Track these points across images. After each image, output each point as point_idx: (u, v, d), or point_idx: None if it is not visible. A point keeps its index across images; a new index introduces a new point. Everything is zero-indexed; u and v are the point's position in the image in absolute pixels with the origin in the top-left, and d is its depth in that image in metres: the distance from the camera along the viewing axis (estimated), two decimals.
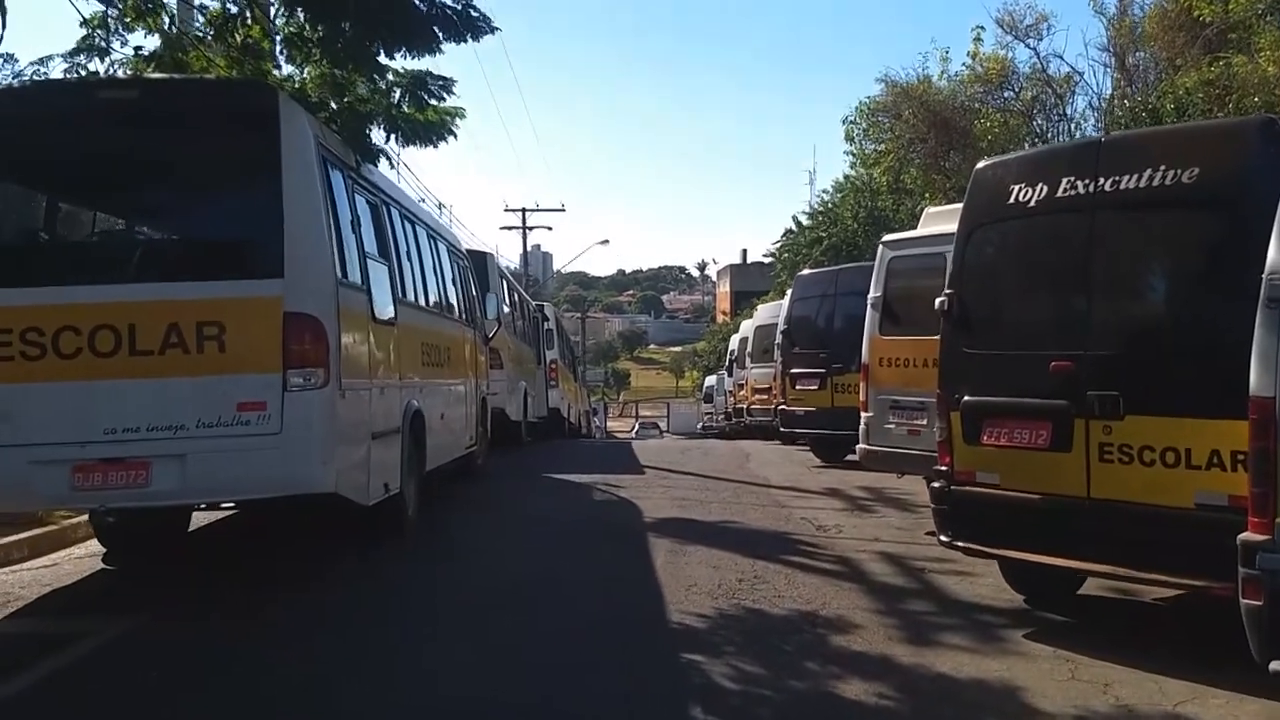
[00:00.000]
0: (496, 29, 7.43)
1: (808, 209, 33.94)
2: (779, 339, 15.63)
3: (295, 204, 6.08)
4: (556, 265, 78.60)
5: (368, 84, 8.01)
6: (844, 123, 22.59)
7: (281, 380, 5.91)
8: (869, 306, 9.59)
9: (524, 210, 42.94)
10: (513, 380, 16.03)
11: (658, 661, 5.37)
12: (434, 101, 8.50)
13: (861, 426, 9.59)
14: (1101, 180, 5.58)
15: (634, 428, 51.73)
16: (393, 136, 8.37)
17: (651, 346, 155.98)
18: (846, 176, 29.42)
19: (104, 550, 7.65)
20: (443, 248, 10.76)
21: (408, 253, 8.68)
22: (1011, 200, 5.99)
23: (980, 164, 6.40)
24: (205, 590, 6.64)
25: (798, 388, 14.48)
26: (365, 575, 7.16)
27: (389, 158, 8.34)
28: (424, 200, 33.86)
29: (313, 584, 6.88)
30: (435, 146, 8.77)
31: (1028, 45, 20.70)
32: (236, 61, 7.49)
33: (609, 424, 61.45)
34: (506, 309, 16.27)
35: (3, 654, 5.37)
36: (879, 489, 11.16)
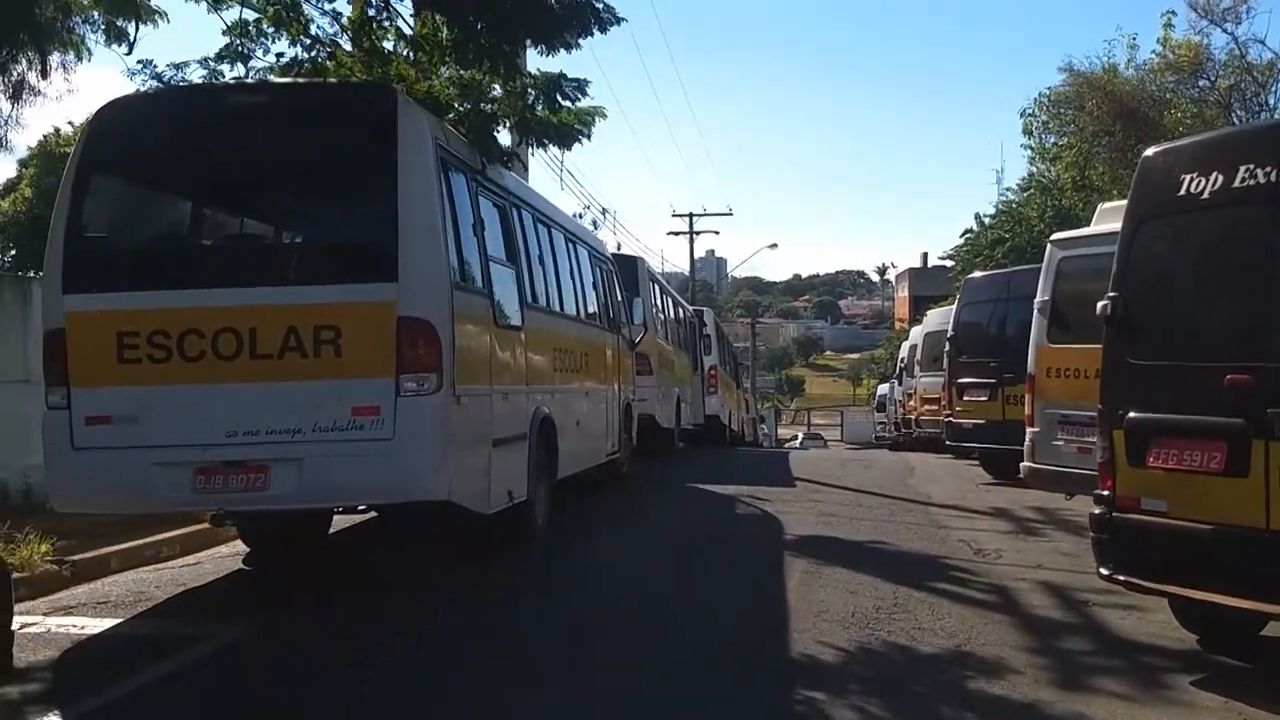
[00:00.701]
0: (622, 19, 7.26)
1: (992, 208, 32.37)
2: (946, 346, 14.80)
3: (411, 206, 6.02)
4: (728, 270, 78.16)
5: (502, 86, 7.96)
6: (1022, 115, 21.34)
7: (394, 385, 5.85)
8: (1035, 311, 8.85)
9: (690, 215, 42.85)
10: (664, 386, 15.80)
11: (772, 700, 4.98)
12: (568, 103, 8.39)
13: (1026, 443, 8.86)
14: None
15: (798, 437, 50.65)
16: (525, 139, 8.29)
17: (828, 353, 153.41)
18: (1031, 174, 27.83)
19: (247, 551, 7.86)
20: (582, 252, 10.63)
21: (539, 256, 8.57)
22: (1183, 191, 5.30)
23: (1148, 151, 5.71)
24: (325, 597, 6.68)
25: (966, 398, 13.68)
26: (486, 587, 7.04)
27: (519, 159, 8.23)
28: (589, 206, 34.41)
29: (430, 593, 6.82)
30: (569, 148, 8.69)
31: (1225, 30, 18.94)
32: (368, 66, 7.55)
33: (780, 431, 60.69)
34: (658, 314, 16.06)
35: (113, 656, 5.50)
36: (1051, 510, 10.32)
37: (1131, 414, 5.44)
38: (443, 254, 6.12)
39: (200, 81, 7.71)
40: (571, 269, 9.93)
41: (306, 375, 5.87)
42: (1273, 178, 4.90)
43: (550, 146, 8.58)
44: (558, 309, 9.11)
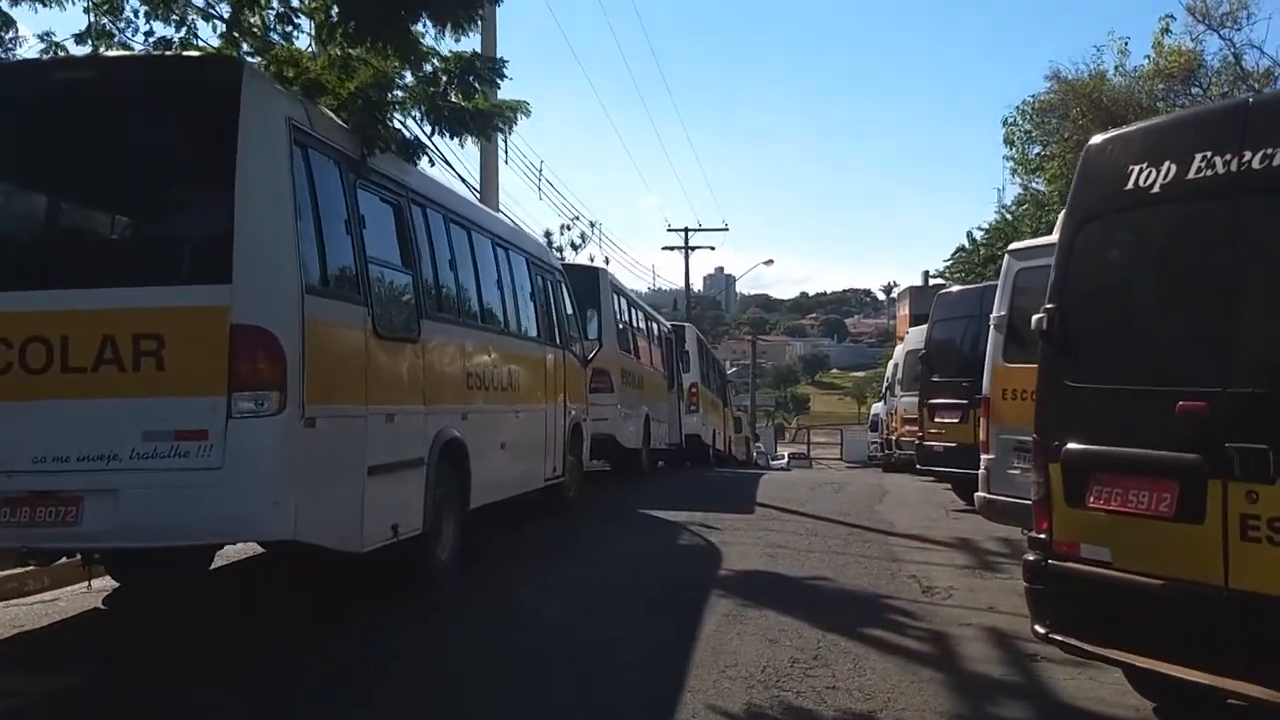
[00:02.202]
0: None
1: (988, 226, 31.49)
2: (919, 366, 14.00)
3: (252, 196, 5.26)
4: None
5: (408, 68, 7.21)
6: (1004, 124, 20.48)
7: (226, 405, 5.08)
8: (992, 328, 8.06)
9: (686, 230, 42.10)
10: (629, 405, 15.03)
11: None
12: (485, 89, 7.65)
13: (981, 471, 8.05)
14: (1249, 155, 4.07)
15: (785, 457, 49.62)
16: (437, 128, 7.55)
17: (834, 371, 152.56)
18: (1026, 189, 27.02)
19: (116, 587, 7.11)
20: (517, 259, 9.87)
21: (451, 262, 7.81)
22: (1130, 185, 4.52)
23: (1093, 139, 4.93)
24: (175, 645, 5.90)
25: (937, 420, 12.88)
26: (369, 630, 6.26)
27: (425, 151, 7.48)
28: (577, 219, 33.57)
29: (303, 638, 6.04)
30: (488, 139, 7.92)
31: (1221, 36, 18.12)
32: (241, 41, 6.80)
33: (780, 449, 59.76)
34: (623, 329, 15.29)
35: None
36: (1016, 542, 9.44)
37: (1070, 445, 4.65)
38: (291, 252, 5.36)
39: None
40: (499, 278, 9.17)
41: (124, 392, 5.10)
42: (1234, 167, 4.13)
43: (466, 138, 7.78)
44: (475, 320, 8.35)
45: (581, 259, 28.28)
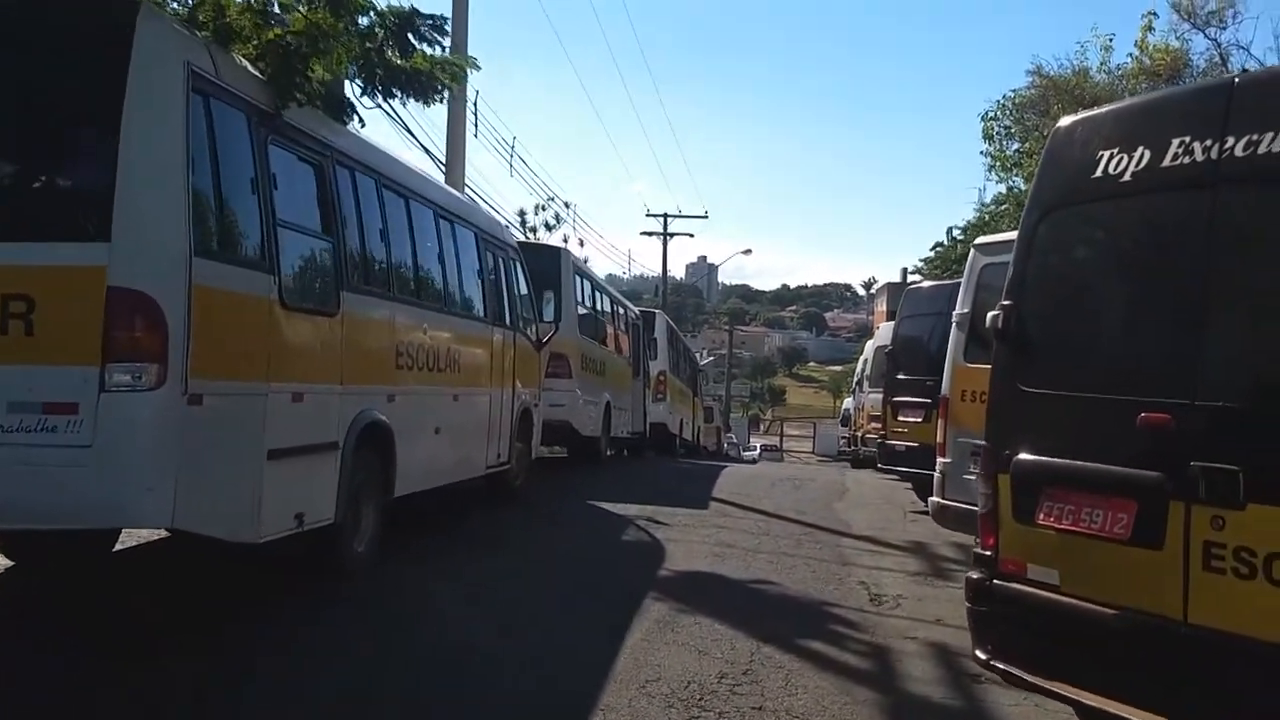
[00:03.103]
0: None
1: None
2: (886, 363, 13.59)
3: (137, 145, 4.75)
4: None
5: (341, 20, 6.68)
6: (982, 119, 19.99)
7: (99, 376, 4.59)
8: (954, 326, 7.64)
9: (665, 215, 41.55)
10: (588, 391, 14.57)
11: None
12: (424, 46, 7.15)
13: (936, 475, 7.64)
14: (1231, 141, 3.65)
15: (757, 449, 49.26)
16: (370, 87, 7.04)
17: (811, 364, 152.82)
18: (1009, 189, 26.63)
19: (7, 565, 6.59)
20: (464, 233, 9.36)
21: (381, 231, 7.30)
22: (1099, 172, 4.09)
23: (1060, 122, 4.49)
24: (48, 638, 5.40)
25: (900, 418, 12.48)
26: (268, 627, 5.77)
27: (354, 111, 6.97)
28: (552, 199, 32.77)
29: (193, 636, 5.54)
30: (427, 103, 7.43)
31: (1207, 35, 17.70)
32: None
33: (752, 440, 59.50)
34: (586, 313, 14.81)
35: None
36: (971, 547, 9.09)
37: (1021, 455, 4.24)
38: (180, 210, 4.85)
39: None
40: (441, 251, 8.66)
41: None
42: (1214, 154, 3.70)
43: (403, 98, 7.27)
44: (409, 296, 7.84)
45: (555, 240, 27.80)
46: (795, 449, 63.13)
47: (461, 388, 8.88)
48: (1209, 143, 3.73)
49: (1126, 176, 3.99)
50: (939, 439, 7.60)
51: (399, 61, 7.02)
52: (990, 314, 4.46)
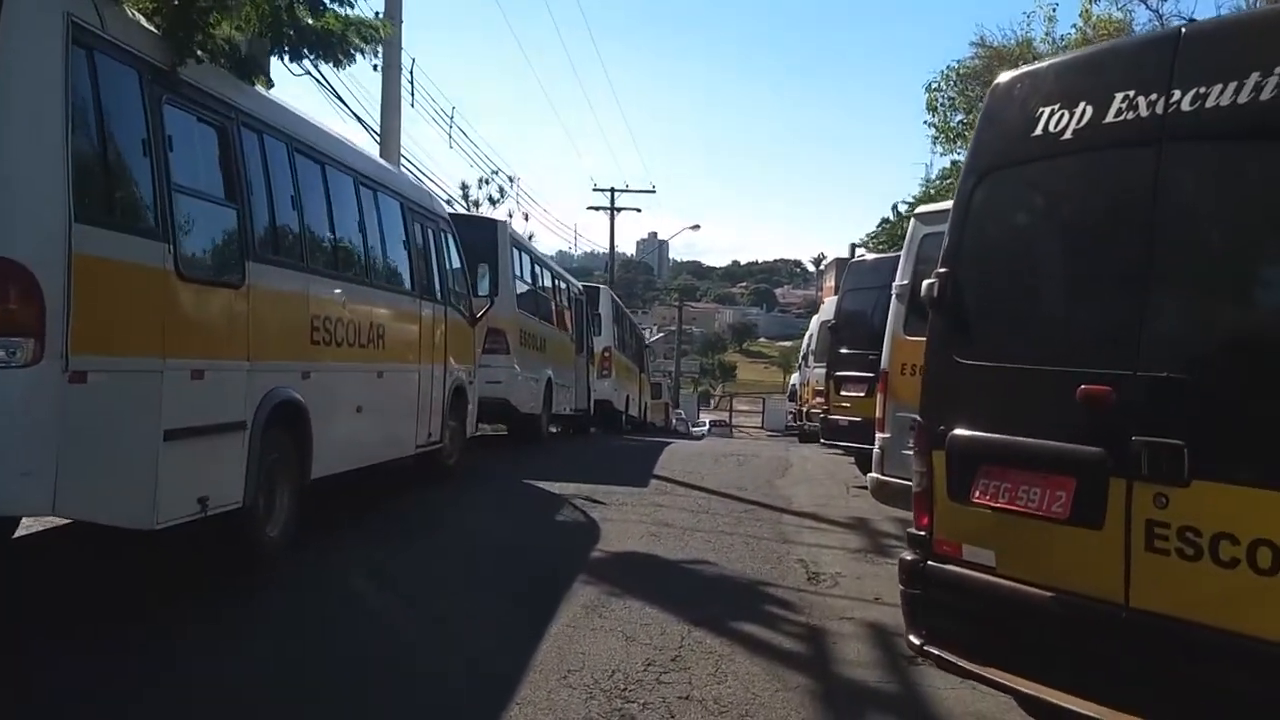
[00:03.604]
0: None
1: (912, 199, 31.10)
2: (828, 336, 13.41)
3: (11, 103, 4.39)
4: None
5: None
6: (926, 90, 19.84)
7: None
8: (893, 298, 7.43)
9: (612, 190, 41.12)
10: (528, 367, 14.22)
11: None
12: (335, 6, 6.75)
13: (875, 451, 7.43)
14: (1178, 95, 3.42)
15: (706, 425, 49.19)
16: (278, 48, 6.63)
17: (761, 340, 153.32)
18: (954, 164, 26.60)
19: None
20: (388, 202, 8.96)
21: (293, 199, 6.89)
22: (1039, 130, 3.85)
23: (999, 78, 4.24)
24: None
25: (843, 393, 12.29)
26: (157, 622, 5.40)
27: (261, 71, 6.57)
28: (496, 172, 32.13)
29: (78, 630, 5.17)
30: (338, 64, 7.03)
31: (1149, 6, 17.65)
32: None
33: (702, 416, 59.47)
34: (524, 287, 14.45)
35: None
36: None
37: (956, 431, 4.01)
38: (57, 173, 4.45)
39: None
40: (362, 221, 8.26)
41: None
42: (1159, 109, 3.47)
43: (312, 61, 6.86)
44: (325, 267, 7.45)
45: (500, 215, 27.30)
46: (745, 424, 63.24)
47: (386, 364, 8.50)
48: (1154, 97, 3.50)
49: (1067, 134, 3.75)
50: (878, 414, 7.40)
51: (309, 21, 6.59)
52: (925, 282, 4.22)
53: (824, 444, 12.94)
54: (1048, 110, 3.84)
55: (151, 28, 5.45)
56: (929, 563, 4.09)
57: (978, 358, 4.01)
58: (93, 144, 4.77)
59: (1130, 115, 3.57)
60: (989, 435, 3.90)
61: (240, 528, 6.12)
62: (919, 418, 4.26)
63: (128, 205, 5.08)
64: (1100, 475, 3.47)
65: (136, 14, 5.42)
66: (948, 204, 7.88)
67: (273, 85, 6.84)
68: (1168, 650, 3.32)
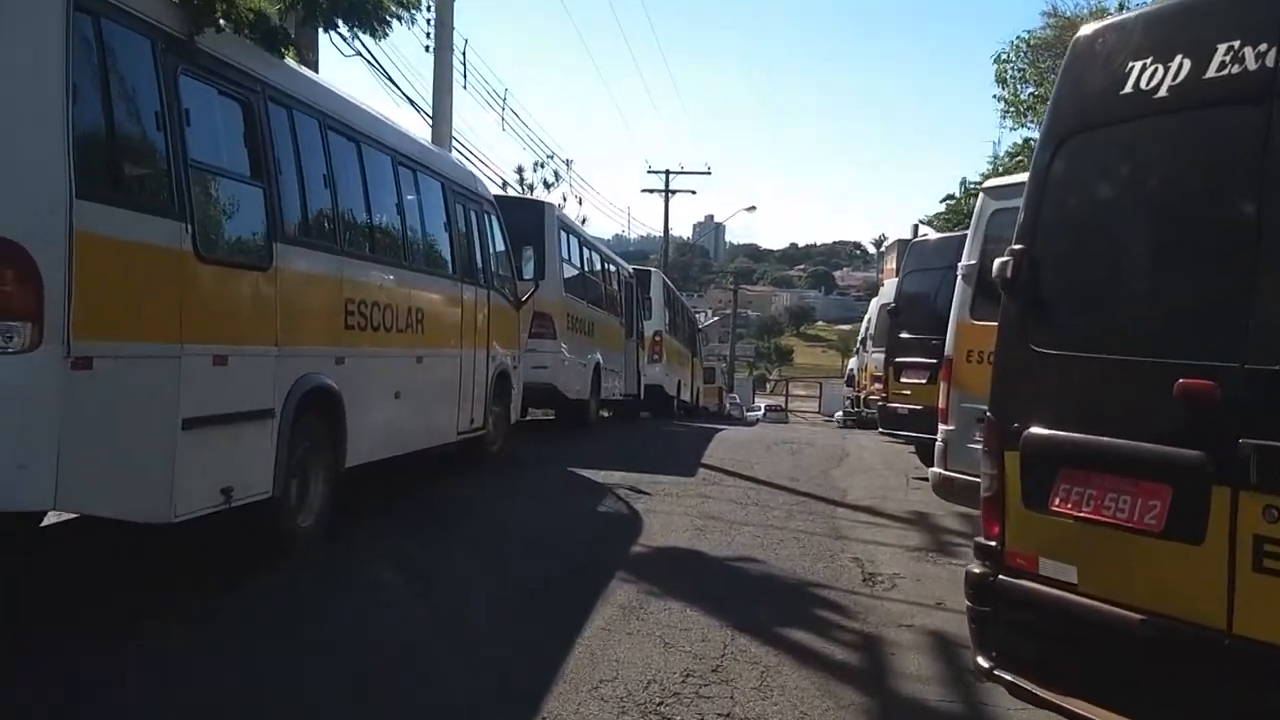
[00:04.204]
0: None
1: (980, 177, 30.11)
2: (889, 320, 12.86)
3: (7, 71, 4.15)
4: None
5: None
6: (995, 61, 19.00)
7: None
8: (959, 279, 6.94)
9: (667, 172, 40.58)
10: (575, 352, 13.91)
11: None
12: None
13: (938, 443, 6.97)
14: None
15: (761, 409, 48.41)
16: (311, 16, 6.36)
17: (820, 323, 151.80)
18: (1026, 140, 25.65)
19: None
20: (428, 183, 8.66)
21: (326, 177, 6.61)
22: (1129, 88, 3.38)
23: (1081, 31, 3.77)
24: None
25: (903, 380, 11.79)
26: (183, 619, 5.15)
27: (290, 40, 6.28)
28: (552, 156, 31.74)
29: (108, 624, 4.94)
30: (374, 34, 6.73)
31: None
32: None
33: (757, 400, 58.97)
34: (572, 270, 14.12)
35: None
36: (977, 519, 8.44)
37: (1033, 429, 3.57)
38: (57, 145, 4.18)
39: None
40: (400, 201, 7.97)
41: None
42: (1269, 61, 3.00)
43: (350, 29, 6.57)
44: (360, 249, 7.17)
45: (553, 199, 27.03)
46: (802, 409, 62.64)
47: (426, 349, 8.22)
48: (1264, 47, 3.02)
49: (1162, 91, 3.28)
50: (941, 404, 6.93)
51: None
52: (998, 261, 3.77)
53: (881, 433, 12.43)
54: (1138, 66, 3.37)
55: None
56: (1000, 577, 3.66)
57: (1057, 346, 3.56)
58: (98, 116, 4.49)
59: (1235, 69, 3.09)
60: (1070, 435, 3.46)
61: (271, 518, 5.89)
62: (989, 413, 3.84)
63: (139, 182, 4.81)
64: (1201, 483, 3.03)
65: None
66: (1020, 177, 7.38)
67: (309, 62, 6.53)
68: (1275, 684, 2.88)
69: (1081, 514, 3.38)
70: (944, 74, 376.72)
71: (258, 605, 5.37)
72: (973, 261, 6.82)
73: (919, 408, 11.36)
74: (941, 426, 6.88)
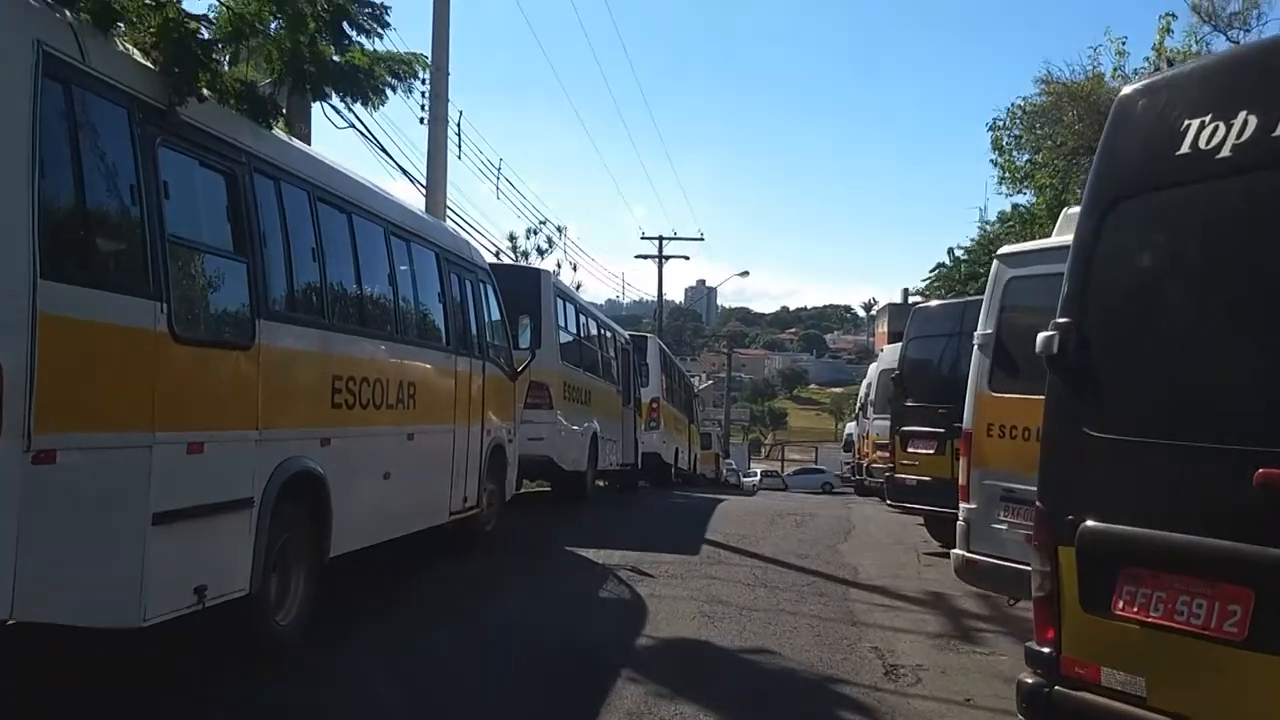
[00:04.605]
0: None
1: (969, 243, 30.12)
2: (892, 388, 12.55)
3: None
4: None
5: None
6: (990, 129, 18.93)
7: None
8: (976, 349, 6.64)
9: (660, 238, 40.59)
10: (573, 421, 13.54)
11: None
12: (362, 39, 6.25)
13: (960, 524, 6.60)
14: None
15: (757, 475, 47.62)
16: (299, 85, 6.11)
17: (812, 386, 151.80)
18: (1015, 207, 25.67)
19: None
20: (422, 254, 8.36)
21: (314, 251, 6.31)
22: (1186, 148, 3.11)
23: (1125, 90, 3.50)
24: None
25: (909, 450, 11.43)
26: None
27: (278, 112, 6.03)
28: (544, 222, 31.58)
29: None
30: (366, 103, 6.51)
31: (1229, 37, 16.66)
32: None
33: (751, 465, 58.35)
34: (567, 338, 13.81)
35: None
36: (997, 601, 8.05)
37: (1089, 523, 3.23)
38: (20, 221, 3.86)
39: None
40: (392, 273, 7.66)
41: None
42: None
43: (342, 99, 6.34)
44: (348, 323, 6.84)
45: (548, 265, 26.85)
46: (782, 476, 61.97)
47: (418, 425, 7.85)
48: None
49: (1225, 151, 3.01)
50: (960, 480, 6.57)
51: (334, 58, 6.06)
52: (1042, 335, 3.46)
53: (890, 505, 12.04)
54: (1196, 123, 3.11)
55: (149, 63, 4.91)
56: (1057, 688, 3.29)
57: (1115, 430, 3.24)
58: (67, 190, 4.19)
59: None
60: (1134, 530, 3.12)
61: (246, 617, 5.47)
62: (1038, 503, 3.49)
63: (110, 259, 4.49)
64: None
65: (130, 47, 4.89)
66: (1036, 243, 7.16)
67: (302, 134, 6.28)
68: None
69: (1149, 619, 3.03)
70: (931, 144, 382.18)
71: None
72: (989, 331, 6.52)
73: (927, 479, 11.02)
74: (962, 505, 6.52)
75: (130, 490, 4.45)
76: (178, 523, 4.74)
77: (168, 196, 4.81)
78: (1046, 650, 3.37)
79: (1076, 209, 6.72)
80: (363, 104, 6.67)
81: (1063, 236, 6.36)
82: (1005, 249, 6.92)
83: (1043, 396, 6.07)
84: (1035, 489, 6.00)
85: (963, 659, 6.59)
